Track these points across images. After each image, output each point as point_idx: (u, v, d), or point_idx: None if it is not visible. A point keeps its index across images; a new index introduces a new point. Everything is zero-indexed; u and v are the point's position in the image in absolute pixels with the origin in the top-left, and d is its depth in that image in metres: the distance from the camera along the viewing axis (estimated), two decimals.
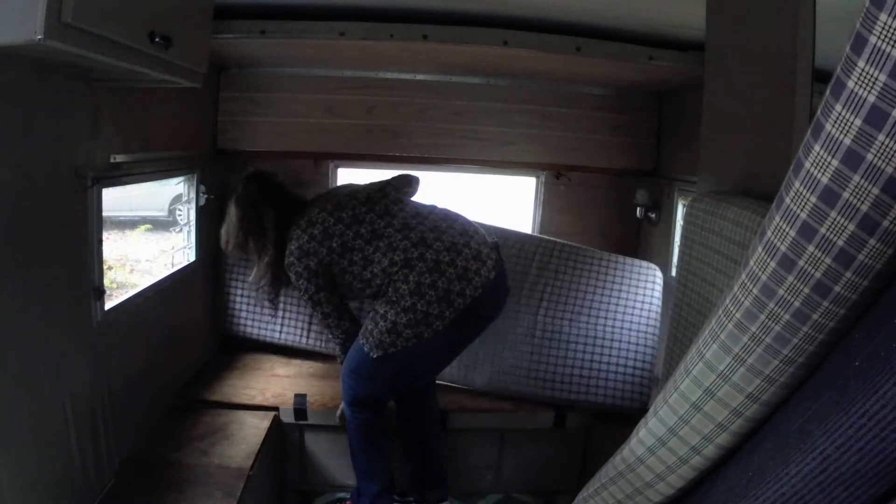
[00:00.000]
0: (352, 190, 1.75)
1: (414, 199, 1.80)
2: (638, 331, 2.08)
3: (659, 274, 2.15)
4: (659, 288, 2.12)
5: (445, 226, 1.65)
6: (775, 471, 0.58)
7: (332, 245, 1.61)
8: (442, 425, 1.95)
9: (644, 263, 2.18)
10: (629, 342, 2.08)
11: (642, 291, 2.12)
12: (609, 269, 2.14)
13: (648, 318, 2.10)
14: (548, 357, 2.08)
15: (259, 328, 2.34)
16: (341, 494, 2.04)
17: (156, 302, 1.82)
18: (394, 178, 1.80)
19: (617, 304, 2.10)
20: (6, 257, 1.12)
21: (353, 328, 1.70)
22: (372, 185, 1.78)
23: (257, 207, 1.69)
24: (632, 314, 2.10)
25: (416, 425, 1.85)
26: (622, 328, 2.09)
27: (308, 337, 2.31)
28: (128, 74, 1.22)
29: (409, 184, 1.80)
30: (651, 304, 2.11)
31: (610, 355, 2.07)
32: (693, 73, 1.89)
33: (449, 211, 1.74)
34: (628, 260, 2.18)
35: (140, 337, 1.72)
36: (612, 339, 2.08)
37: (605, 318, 2.09)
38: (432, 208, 1.73)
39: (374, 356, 1.59)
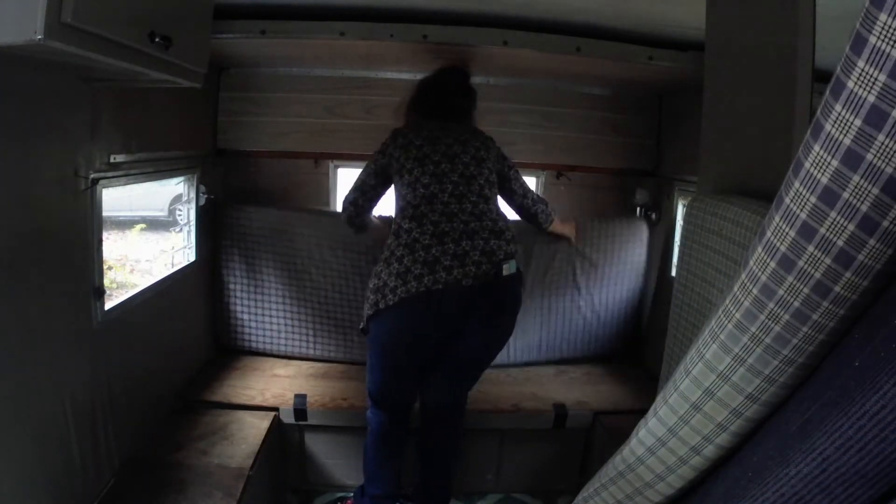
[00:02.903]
0: (456, 138, 1.79)
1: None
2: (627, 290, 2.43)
3: (644, 228, 2.43)
4: (645, 240, 2.43)
5: (458, 220, 1.63)
6: (775, 471, 0.58)
7: (399, 155, 1.74)
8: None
9: (630, 220, 2.44)
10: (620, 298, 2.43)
11: (630, 248, 2.40)
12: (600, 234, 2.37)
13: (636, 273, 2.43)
14: (554, 327, 2.37)
15: (258, 341, 2.33)
16: (341, 494, 2.04)
17: (156, 302, 1.82)
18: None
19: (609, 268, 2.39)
20: (6, 257, 1.12)
21: (361, 209, 1.85)
22: (470, 147, 1.79)
23: (417, 94, 1.94)
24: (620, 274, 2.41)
25: (433, 446, 1.83)
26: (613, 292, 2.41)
27: (308, 345, 2.31)
28: (128, 74, 1.22)
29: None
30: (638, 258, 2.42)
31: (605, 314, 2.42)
32: (693, 73, 1.89)
33: (490, 211, 1.69)
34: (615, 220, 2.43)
35: (140, 337, 1.72)
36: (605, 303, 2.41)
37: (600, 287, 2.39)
38: (479, 198, 1.69)
39: (360, 327, 1.71)
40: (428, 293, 1.55)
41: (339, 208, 1.94)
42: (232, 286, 2.32)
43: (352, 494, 1.93)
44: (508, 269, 1.62)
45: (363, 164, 1.97)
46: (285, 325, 2.31)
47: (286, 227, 2.26)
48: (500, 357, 2.27)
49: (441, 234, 1.60)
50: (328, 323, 2.30)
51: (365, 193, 1.82)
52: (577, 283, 2.35)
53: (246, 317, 2.32)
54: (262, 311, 2.31)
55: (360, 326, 1.71)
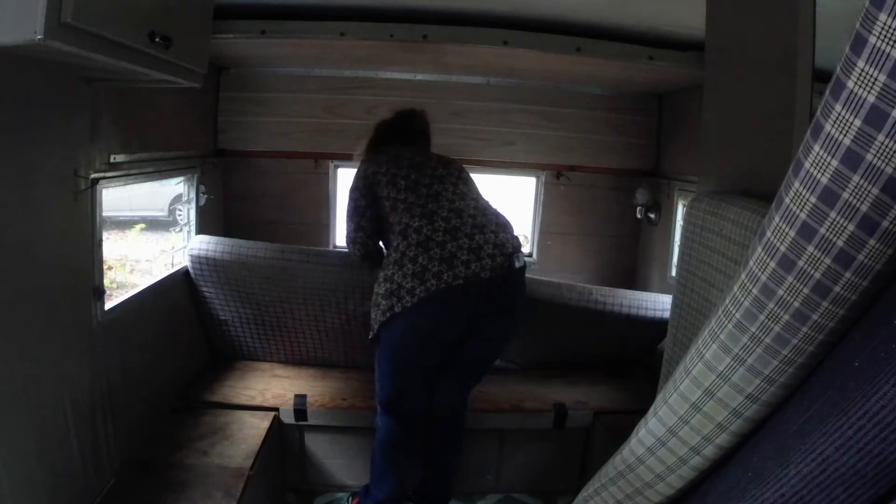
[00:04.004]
0: (440, 155, 1.87)
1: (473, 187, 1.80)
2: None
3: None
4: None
5: (466, 214, 1.63)
6: (775, 471, 0.58)
7: (392, 171, 1.72)
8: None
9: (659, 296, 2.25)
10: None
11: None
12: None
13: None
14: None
15: (248, 349, 2.29)
16: (341, 494, 2.05)
17: (155, 302, 1.82)
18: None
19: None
20: (6, 257, 1.12)
21: (367, 232, 1.76)
22: (454, 160, 1.86)
23: (378, 133, 1.94)
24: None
25: (435, 447, 1.83)
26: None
27: (296, 352, 2.28)
28: (128, 74, 1.22)
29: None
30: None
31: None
32: (693, 73, 1.89)
33: (490, 207, 1.73)
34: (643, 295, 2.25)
35: (140, 337, 1.72)
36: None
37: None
38: (478, 197, 1.74)
39: (370, 337, 1.66)
40: (449, 290, 1.52)
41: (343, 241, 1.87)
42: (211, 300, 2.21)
43: (352, 494, 1.93)
44: (518, 261, 1.63)
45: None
46: (280, 335, 2.26)
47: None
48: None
49: (453, 230, 1.59)
50: (324, 332, 2.24)
51: (363, 215, 1.75)
52: (588, 336, 2.29)
53: (240, 330, 2.25)
54: (255, 325, 2.24)
55: (370, 336, 1.66)
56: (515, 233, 1.72)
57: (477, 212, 1.66)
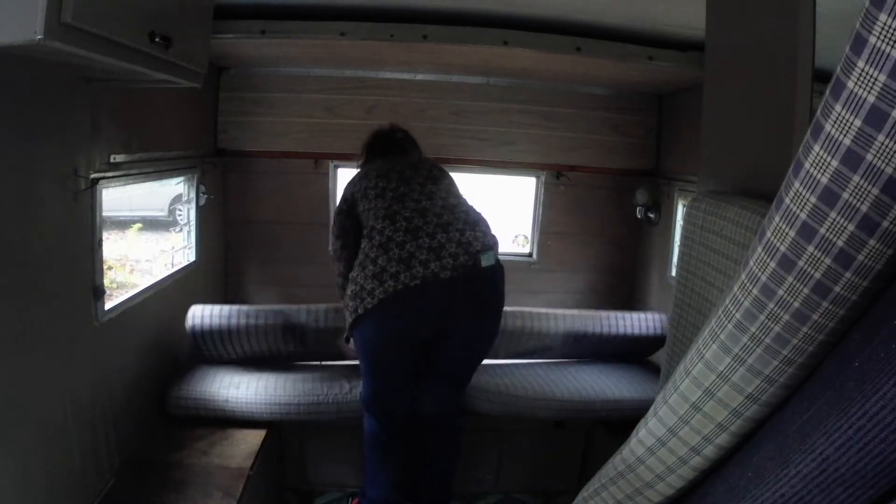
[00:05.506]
0: (414, 157, 1.91)
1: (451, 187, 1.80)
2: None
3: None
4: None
5: (431, 213, 1.62)
6: (775, 472, 0.58)
7: (364, 185, 1.75)
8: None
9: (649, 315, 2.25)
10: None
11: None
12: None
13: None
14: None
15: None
16: (341, 494, 2.05)
17: (156, 302, 1.82)
18: (437, 169, 1.84)
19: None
20: (6, 257, 1.12)
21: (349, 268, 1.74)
22: (427, 160, 1.89)
23: (366, 150, 1.99)
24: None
25: (433, 452, 1.82)
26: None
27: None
28: (128, 74, 1.23)
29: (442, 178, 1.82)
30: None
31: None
32: (693, 73, 1.89)
33: (461, 205, 1.70)
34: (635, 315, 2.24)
35: (140, 337, 1.72)
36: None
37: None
38: (447, 196, 1.71)
39: (344, 337, 1.70)
40: (406, 290, 1.51)
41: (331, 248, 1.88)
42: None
43: (352, 494, 1.93)
44: (487, 260, 1.58)
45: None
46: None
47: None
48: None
49: (415, 230, 1.58)
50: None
51: (348, 234, 1.77)
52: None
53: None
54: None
55: (344, 335, 1.68)
56: (492, 230, 1.68)
57: (444, 210, 1.64)
